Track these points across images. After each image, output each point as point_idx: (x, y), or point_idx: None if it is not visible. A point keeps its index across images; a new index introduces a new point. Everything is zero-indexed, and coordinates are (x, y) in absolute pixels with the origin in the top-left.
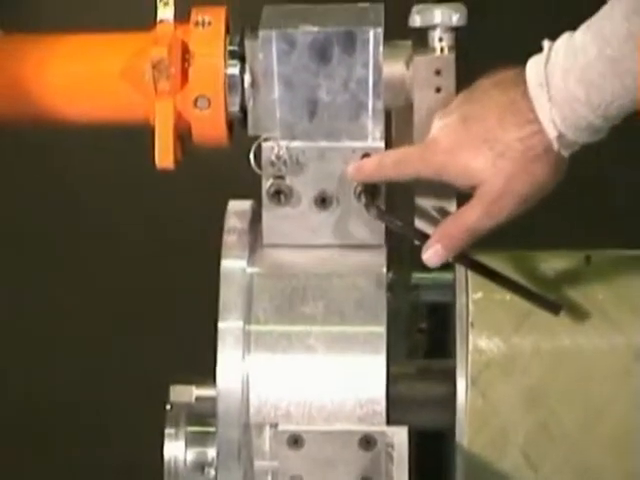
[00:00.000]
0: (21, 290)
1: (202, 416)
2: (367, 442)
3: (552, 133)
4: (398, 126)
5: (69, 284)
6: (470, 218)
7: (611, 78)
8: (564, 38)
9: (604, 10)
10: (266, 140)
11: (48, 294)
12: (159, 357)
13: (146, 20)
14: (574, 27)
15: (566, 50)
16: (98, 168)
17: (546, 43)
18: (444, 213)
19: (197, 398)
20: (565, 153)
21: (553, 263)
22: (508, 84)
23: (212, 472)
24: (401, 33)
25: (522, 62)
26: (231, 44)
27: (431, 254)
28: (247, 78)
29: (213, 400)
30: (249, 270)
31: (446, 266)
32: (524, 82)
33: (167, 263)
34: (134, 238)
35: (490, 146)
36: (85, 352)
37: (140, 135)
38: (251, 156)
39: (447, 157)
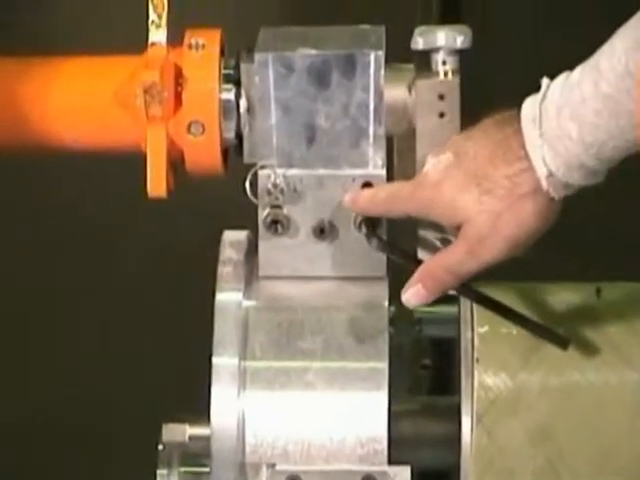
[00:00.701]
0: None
1: (196, 456)
2: None
3: (541, 171)
4: (400, 153)
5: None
6: (453, 258)
7: (606, 116)
8: (562, 76)
9: (605, 45)
10: (262, 168)
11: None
12: (154, 385)
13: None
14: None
15: (563, 87)
16: (95, 187)
17: (544, 81)
18: (448, 244)
19: (191, 437)
20: (556, 195)
21: (562, 296)
22: (505, 122)
23: None
24: (403, 56)
25: (528, 90)
26: (226, 67)
27: (411, 294)
28: (243, 103)
29: (207, 439)
30: (245, 303)
31: (450, 299)
32: (519, 120)
33: (161, 297)
34: (127, 274)
35: (478, 182)
36: (83, 384)
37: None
38: (247, 184)
39: (434, 192)
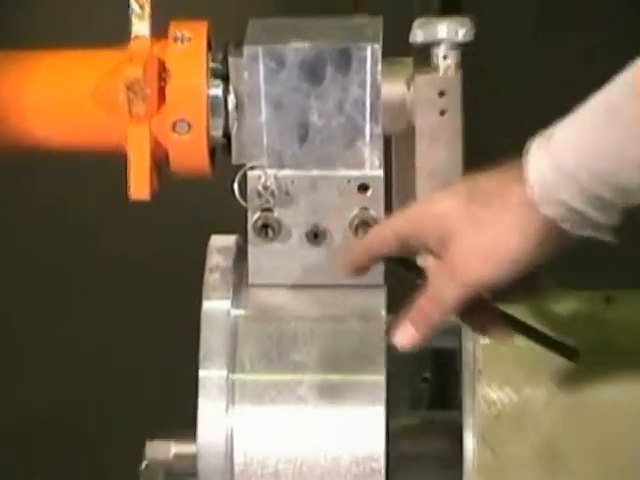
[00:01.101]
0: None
1: (181, 475)
2: None
3: (531, 176)
4: (399, 153)
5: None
6: (435, 284)
7: (605, 125)
8: None
9: None
10: (252, 169)
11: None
12: (138, 399)
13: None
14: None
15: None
16: (78, 189)
17: None
18: None
19: (176, 455)
20: (542, 207)
21: (569, 304)
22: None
23: None
24: (401, 50)
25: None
26: (213, 62)
27: (400, 334)
28: (231, 99)
29: (193, 457)
30: (233, 312)
31: None
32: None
33: (146, 303)
34: (111, 280)
35: (471, 191)
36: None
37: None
38: (235, 186)
39: (428, 203)
